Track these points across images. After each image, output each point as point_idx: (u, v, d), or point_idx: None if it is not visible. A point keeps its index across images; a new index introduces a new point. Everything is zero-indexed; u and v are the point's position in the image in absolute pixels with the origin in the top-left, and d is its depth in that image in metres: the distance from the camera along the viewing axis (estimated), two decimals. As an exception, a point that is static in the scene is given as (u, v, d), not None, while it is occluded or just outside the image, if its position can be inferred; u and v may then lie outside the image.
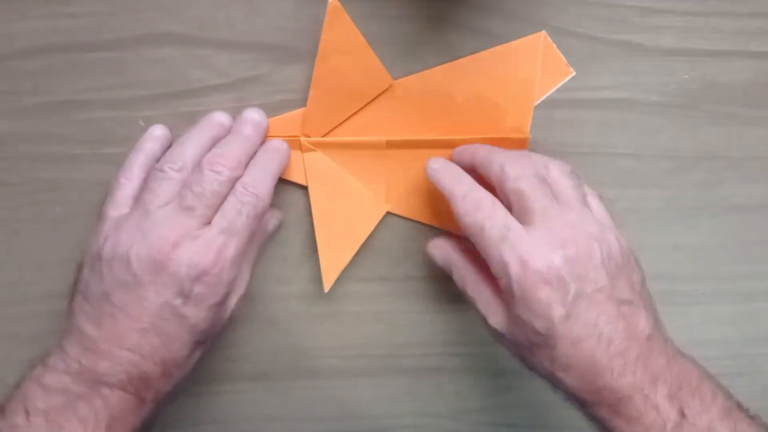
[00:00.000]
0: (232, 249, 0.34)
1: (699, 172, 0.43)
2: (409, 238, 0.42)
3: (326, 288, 0.37)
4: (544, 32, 0.37)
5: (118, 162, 0.37)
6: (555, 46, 0.38)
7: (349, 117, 0.39)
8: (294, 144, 0.39)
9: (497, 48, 0.39)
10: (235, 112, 0.39)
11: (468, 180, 0.36)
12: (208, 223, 0.34)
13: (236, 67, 0.38)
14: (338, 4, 0.36)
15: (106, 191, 0.37)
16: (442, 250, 0.40)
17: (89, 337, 0.33)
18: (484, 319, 0.36)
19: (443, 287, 0.43)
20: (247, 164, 0.36)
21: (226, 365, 0.43)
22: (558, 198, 0.35)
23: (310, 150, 0.39)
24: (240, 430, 0.45)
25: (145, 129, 0.38)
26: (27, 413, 0.31)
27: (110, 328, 0.33)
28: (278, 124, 0.39)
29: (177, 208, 0.34)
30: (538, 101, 0.39)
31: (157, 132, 0.38)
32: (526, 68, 0.39)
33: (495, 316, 0.35)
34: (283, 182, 0.40)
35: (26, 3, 0.37)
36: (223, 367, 0.43)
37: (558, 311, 0.32)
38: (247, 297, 0.38)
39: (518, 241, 0.33)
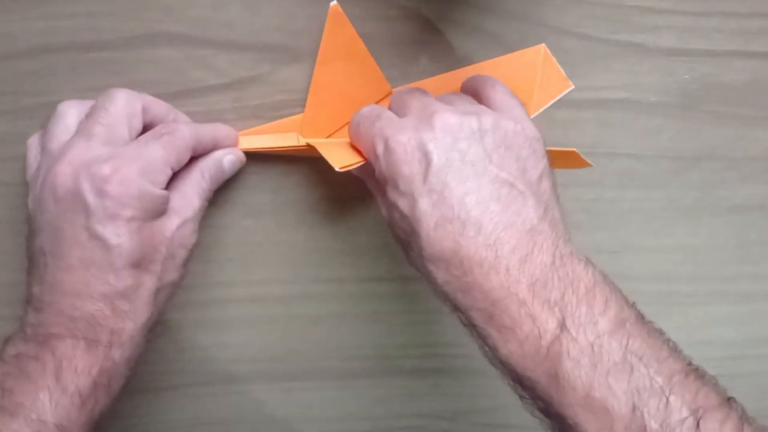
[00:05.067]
0: (140, 162, 0.32)
1: (699, 172, 0.43)
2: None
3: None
4: (544, 45, 0.37)
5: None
6: (554, 59, 0.38)
7: (347, 123, 0.39)
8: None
9: (496, 59, 0.38)
10: (235, 112, 0.39)
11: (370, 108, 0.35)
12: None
13: (236, 67, 0.38)
14: (339, 9, 0.36)
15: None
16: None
17: (36, 296, 0.32)
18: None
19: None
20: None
21: (226, 366, 0.43)
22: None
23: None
24: (240, 430, 0.44)
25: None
26: None
27: (47, 278, 0.32)
28: (277, 128, 0.39)
29: (75, 136, 0.33)
30: (536, 113, 0.39)
31: None
32: (525, 80, 0.38)
33: (382, 208, 0.33)
34: (282, 183, 0.40)
35: (26, 3, 0.37)
36: (223, 367, 0.43)
37: (419, 186, 0.29)
38: (199, 227, 0.36)
39: (386, 124, 0.32)
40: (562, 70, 0.38)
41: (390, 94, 0.39)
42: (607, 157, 0.42)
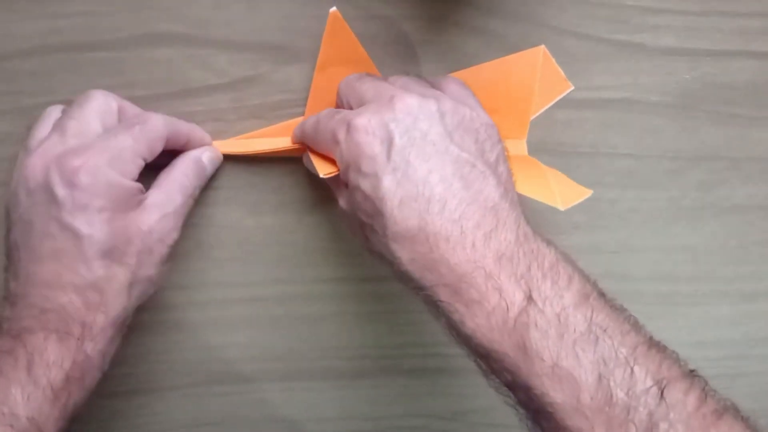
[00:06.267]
0: (109, 152, 0.32)
1: (700, 172, 0.43)
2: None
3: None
4: (543, 46, 0.37)
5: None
6: (554, 60, 0.38)
7: None
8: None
9: (496, 61, 0.38)
10: (235, 113, 0.39)
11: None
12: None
13: (236, 67, 0.38)
14: (339, 14, 0.36)
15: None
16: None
17: (11, 291, 0.32)
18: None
19: (443, 287, 0.43)
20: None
21: (227, 365, 0.43)
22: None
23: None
24: (240, 430, 0.44)
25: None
26: None
27: (21, 272, 0.32)
28: (277, 131, 0.39)
29: (50, 132, 0.34)
30: (536, 115, 0.39)
31: None
32: (525, 82, 0.38)
33: (341, 198, 0.34)
34: (282, 183, 0.40)
35: (26, 3, 0.37)
36: (223, 367, 0.43)
37: (382, 165, 0.30)
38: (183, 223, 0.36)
39: (346, 114, 0.32)
40: (562, 71, 0.38)
41: None
42: (607, 158, 0.42)
